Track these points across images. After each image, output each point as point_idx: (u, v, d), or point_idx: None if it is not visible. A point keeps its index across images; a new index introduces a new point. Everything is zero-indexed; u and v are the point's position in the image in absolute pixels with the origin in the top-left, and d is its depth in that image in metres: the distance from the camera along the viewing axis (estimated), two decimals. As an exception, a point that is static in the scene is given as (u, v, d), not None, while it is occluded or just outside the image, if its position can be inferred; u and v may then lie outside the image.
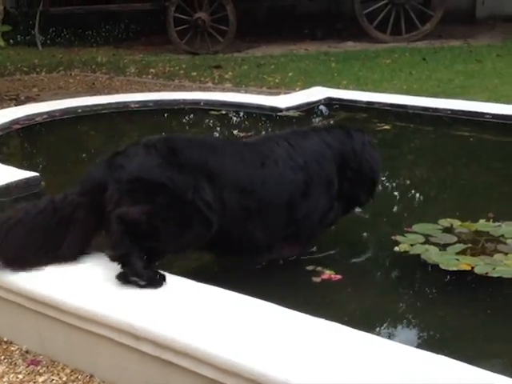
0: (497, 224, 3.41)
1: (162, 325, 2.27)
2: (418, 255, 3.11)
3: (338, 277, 2.93)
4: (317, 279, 2.93)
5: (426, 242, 3.26)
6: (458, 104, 5.85)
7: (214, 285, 2.53)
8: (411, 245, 3.22)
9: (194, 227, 2.76)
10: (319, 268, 3.00)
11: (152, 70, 9.51)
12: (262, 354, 2.07)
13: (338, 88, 7.40)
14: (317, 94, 6.35)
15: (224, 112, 5.96)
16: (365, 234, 3.56)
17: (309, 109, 5.94)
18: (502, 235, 3.29)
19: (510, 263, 3.00)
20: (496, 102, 6.42)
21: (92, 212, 2.80)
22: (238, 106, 6.03)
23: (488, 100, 6.63)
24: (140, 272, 2.59)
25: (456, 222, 3.46)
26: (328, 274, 2.95)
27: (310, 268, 3.01)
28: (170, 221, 2.72)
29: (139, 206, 2.71)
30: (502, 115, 5.37)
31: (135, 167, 2.78)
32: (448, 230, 3.38)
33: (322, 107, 6.08)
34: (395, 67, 8.75)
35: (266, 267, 3.05)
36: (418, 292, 2.91)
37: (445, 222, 3.47)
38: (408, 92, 7.24)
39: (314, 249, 3.21)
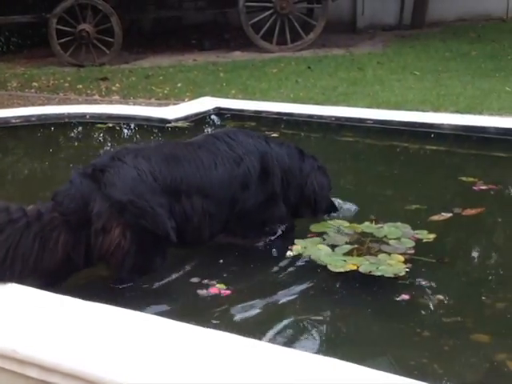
0: (379, 225, 3.55)
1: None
2: (309, 256, 3.19)
3: (228, 292, 2.93)
4: (203, 291, 2.92)
5: (321, 243, 3.34)
6: (342, 111, 6.04)
7: (99, 301, 2.47)
8: (305, 247, 3.29)
9: (163, 252, 3.02)
10: (206, 281, 2.99)
11: (35, 84, 9.20)
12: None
13: (227, 98, 7.46)
14: (205, 104, 6.36)
15: (111, 125, 5.85)
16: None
17: (198, 119, 5.94)
18: (385, 236, 3.42)
19: (393, 263, 3.12)
20: (377, 108, 6.72)
21: (74, 230, 2.84)
22: (125, 119, 5.93)
23: (370, 106, 6.91)
24: None
25: (344, 223, 3.57)
26: (218, 287, 2.95)
27: (195, 280, 3.01)
28: (147, 250, 2.93)
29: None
30: (383, 120, 5.60)
31: (128, 186, 2.89)
32: (338, 231, 3.48)
33: (210, 117, 6.10)
34: (282, 76, 8.94)
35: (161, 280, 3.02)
36: (306, 294, 2.95)
37: (334, 223, 3.58)
38: (295, 100, 7.42)
39: (205, 262, 3.21)
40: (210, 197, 3.13)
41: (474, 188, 4.18)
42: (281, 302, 2.88)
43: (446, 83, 7.88)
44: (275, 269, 3.17)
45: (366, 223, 3.56)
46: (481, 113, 6.43)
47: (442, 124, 5.45)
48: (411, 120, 5.59)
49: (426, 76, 8.39)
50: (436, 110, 6.65)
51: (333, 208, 3.75)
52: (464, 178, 4.34)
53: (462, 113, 6.44)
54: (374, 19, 13.12)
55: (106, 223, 2.80)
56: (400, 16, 13.13)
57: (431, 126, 5.46)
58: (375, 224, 3.57)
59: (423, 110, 6.61)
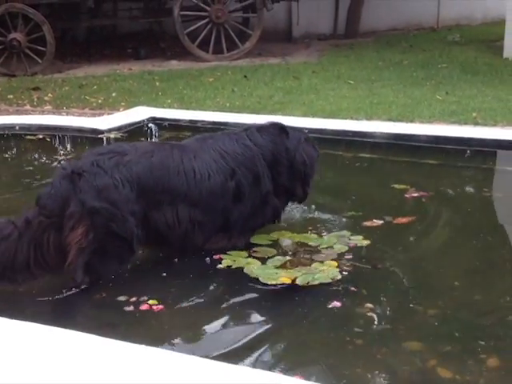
0: (314, 234, 3.56)
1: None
2: (241, 269, 3.17)
3: (160, 307, 2.88)
4: (131, 308, 2.86)
5: (249, 255, 3.32)
6: (277, 120, 6.02)
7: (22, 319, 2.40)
8: (234, 260, 3.26)
9: (123, 259, 3.13)
10: (134, 298, 2.93)
11: (-36, 94, 8.90)
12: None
13: (163, 107, 7.39)
14: (140, 113, 6.28)
15: (41, 136, 5.70)
16: (191, 254, 3.52)
17: (132, 129, 5.86)
18: (319, 245, 3.44)
19: (326, 269, 3.14)
20: (312, 117, 6.77)
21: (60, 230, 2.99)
22: (56, 129, 5.79)
23: (305, 115, 6.96)
24: None
25: (286, 234, 3.57)
26: (149, 303, 2.89)
27: (123, 298, 2.94)
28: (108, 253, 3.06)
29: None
30: (317, 129, 5.63)
31: (102, 195, 3.00)
32: (274, 243, 3.48)
33: (145, 127, 6.01)
34: (218, 85, 8.91)
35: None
36: (239, 307, 2.93)
37: (275, 235, 3.57)
38: (231, 109, 7.40)
39: (134, 278, 3.14)
40: (199, 207, 3.25)
41: (406, 195, 4.25)
42: (214, 315, 2.84)
43: (379, 92, 8.02)
44: (207, 282, 3.13)
45: (306, 234, 3.58)
46: (412, 121, 6.56)
47: (375, 132, 5.54)
48: (344, 128, 5.66)
49: (359, 85, 8.52)
50: (369, 118, 6.75)
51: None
52: (396, 186, 4.42)
53: (394, 121, 6.56)
54: (310, 29, 13.27)
55: (76, 223, 2.96)
56: (334, 26, 13.34)
57: (364, 134, 5.54)
58: (311, 233, 3.59)
59: (357, 119, 6.72)
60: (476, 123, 6.33)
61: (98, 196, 3.00)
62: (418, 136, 5.39)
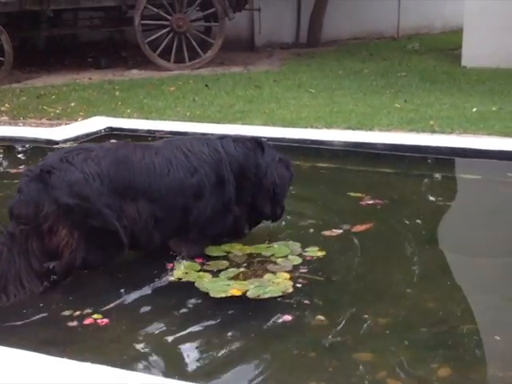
0: (269, 244, 3.54)
1: None
2: (192, 283, 3.12)
3: (105, 321, 2.82)
4: (75, 323, 2.80)
5: (202, 268, 3.28)
6: (237, 129, 6.03)
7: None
8: (186, 272, 3.22)
9: (112, 251, 3.16)
10: (78, 313, 2.87)
11: None
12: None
13: (122, 117, 7.31)
14: (97, 124, 6.21)
15: (-5, 147, 5.60)
16: (141, 266, 3.47)
17: (88, 140, 5.77)
18: (273, 255, 3.42)
19: (280, 281, 3.11)
20: (272, 126, 6.77)
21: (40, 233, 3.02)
22: (10, 140, 5.69)
23: (265, 123, 6.95)
24: None
25: (237, 246, 3.54)
26: (94, 317, 2.83)
27: (67, 313, 2.88)
28: (97, 246, 3.08)
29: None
30: (276, 138, 5.62)
31: (75, 190, 3.01)
32: (226, 255, 3.44)
33: (101, 137, 5.93)
34: (179, 94, 8.85)
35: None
36: (188, 321, 2.88)
37: (226, 247, 3.53)
38: (191, 118, 7.35)
39: (80, 291, 3.08)
40: (159, 202, 3.24)
41: (362, 203, 4.26)
42: (162, 329, 2.79)
43: (339, 100, 8.05)
44: (156, 295, 3.08)
45: (258, 244, 3.55)
46: (371, 129, 6.59)
47: (333, 141, 5.56)
48: (303, 137, 5.67)
49: (320, 93, 8.54)
50: (329, 126, 6.76)
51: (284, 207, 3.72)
52: (352, 194, 4.43)
53: (353, 129, 6.58)
54: (272, 37, 13.31)
55: (53, 224, 2.98)
56: (297, 35, 13.40)
57: (322, 142, 5.56)
58: (267, 243, 3.56)
59: (317, 127, 6.72)
60: (433, 131, 6.38)
61: (70, 192, 3.01)
62: (375, 144, 5.43)
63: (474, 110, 7.17)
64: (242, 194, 3.52)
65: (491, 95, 7.93)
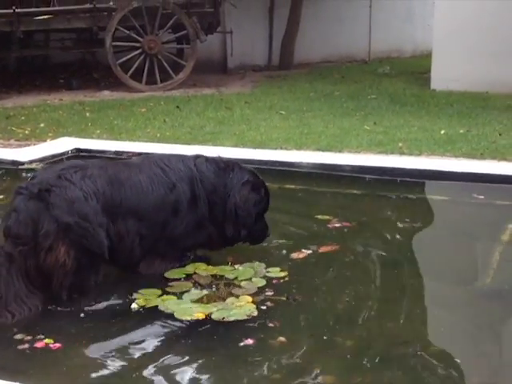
0: (234, 267, 3.50)
1: None
2: (156, 307, 3.07)
3: (57, 345, 2.76)
4: (26, 346, 2.73)
5: (164, 291, 3.23)
6: (206, 150, 6.00)
7: None
8: (147, 299, 3.16)
9: (98, 271, 3.18)
10: (29, 337, 2.80)
11: None
12: None
13: (91, 138, 7.26)
14: (64, 144, 6.15)
15: (-41, 169, 5.50)
16: (101, 292, 3.38)
17: (54, 161, 5.70)
18: (237, 277, 3.39)
19: (242, 305, 3.08)
20: (242, 147, 6.76)
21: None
22: (-25, 161, 5.60)
23: (235, 145, 6.94)
24: None
25: (201, 266, 3.50)
26: (45, 341, 2.76)
27: (19, 337, 2.81)
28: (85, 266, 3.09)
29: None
30: (245, 160, 5.57)
31: (75, 208, 3.03)
32: (190, 276, 3.40)
33: (68, 159, 5.87)
34: (150, 115, 8.83)
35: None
36: (149, 344, 2.83)
37: (190, 268, 3.49)
38: (161, 140, 7.32)
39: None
40: (145, 220, 3.29)
41: (329, 226, 4.25)
42: (119, 354, 2.73)
43: (309, 122, 8.08)
44: (114, 320, 3.02)
45: (222, 266, 3.52)
46: (341, 151, 6.62)
47: (302, 162, 5.56)
48: (272, 159, 5.67)
49: (291, 115, 8.58)
50: (299, 148, 6.77)
51: (265, 231, 3.70)
52: (320, 216, 4.42)
53: (323, 151, 6.60)
54: (244, 60, 13.38)
55: (53, 243, 2.98)
56: (269, 57, 13.49)
57: (291, 164, 5.56)
58: (231, 265, 3.53)
59: (287, 149, 6.73)
60: (402, 153, 6.43)
61: (70, 210, 3.03)
62: (344, 166, 5.44)
63: (442, 132, 7.25)
64: (214, 211, 3.52)
65: (459, 118, 8.03)
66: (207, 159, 3.64)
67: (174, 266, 3.47)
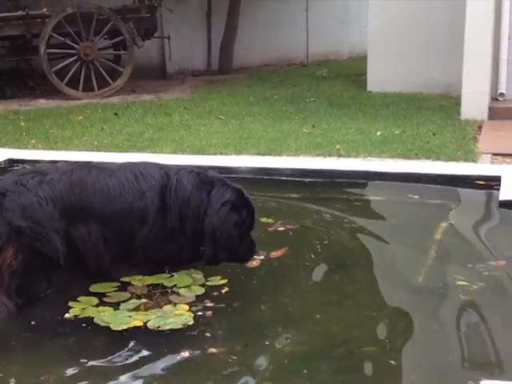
0: (169, 275, 3.47)
1: None
2: (92, 318, 3.01)
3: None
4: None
5: (101, 302, 3.18)
6: (144, 157, 5.95)
7: None
8: (83, 308, 3.11)
9: (49, 277, 3.19)
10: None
11: None
12: None
13: (26, 148, 7.10)
14: (-3, 155, 5.97)
15: None
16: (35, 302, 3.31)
17: (-14, 173, 5.54)
18: (175, 285, 3.35)
19: (180, 313, 3.05)
20: (181, 153, 6.74)
21: None
22: None
23: (175, 151, 6.92)
24: None
25: (137, 277, 3.44)
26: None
27: None
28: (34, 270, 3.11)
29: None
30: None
31: (27, 213, 3.08)
32: (123, 287, 3.34)
33: (1, 170, 5.71)
34: (87, 123, 8.70)
35: None
36: (77, 357, 2.74)
37: (126, 279, 3.43)
38: (99, 148, 7.23)
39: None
40: (109, 224, 3.28)
41: (271, 229, 4.26)
42: (51, 368, 2.66)
43: (248, 126, 8.11)
44: (46, 333, 2.95)
45: (158, 274, 3.47)
46: (280, 154, 6.67)
47: (241, 167, 5.56)
48: (211, 164, 5.63)
49: (230, 120, 8.59)
50: (238, 153, 6.79)
51: (251, 249, 3.56)
52: (264, 220, 4.42)
53: (262, 155, 6.65)
54: (183, 65, 13.33)
55: (3, 244, 3.03)
56: (208, 62, 13.48)
57: (230, 169, 5.55)
58: (167, 273, 3.49)
59: (226, 154, 6.74)
60: (340, 155, 6.53)
61: (23, 214, 3.08)
62: (283, 170, 5.48)
63: (379, 133, 7.39)
64: (185, 225, 3.40)
65: (395, 119, 8.20)
66: (191, 171, 3.52)
67: (142, 274, 3.43)
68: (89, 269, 3.34)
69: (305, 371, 2.63)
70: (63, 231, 3.18)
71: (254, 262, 3.67)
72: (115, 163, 3.62)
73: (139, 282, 3.37)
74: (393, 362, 2.68)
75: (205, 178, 3.50)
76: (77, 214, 3.22)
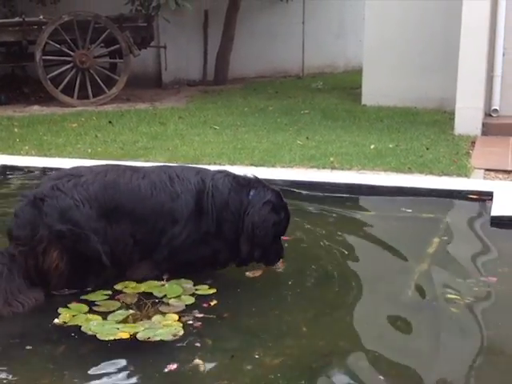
0: (161, 283, 3.45)
1: None
2: (79, 326, 2.99)
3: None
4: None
5: (90, 310, 3.16)
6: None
7: None
8: (73, 315, 3.09)
9: (97, 272, 3.33)
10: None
11: None
12: None
13: (20, 154, 7.08)
14: (-11, 162, 5.96)
15: None
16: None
17: (-21, 179, 5.53)
18: (165, 295, 3.34)
19: (169, 323, 3.03)
20: (175, 162, 6.71)
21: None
22: None
23: (168, 160, 6.88)
24: None
25: (130, 285, 3.44)
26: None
27: None
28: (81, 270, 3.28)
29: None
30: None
31: (66, 216, 3.22)
32: (115, 295, 3.33)
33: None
34: (81, 131, 8.68)
35: None
36: (65, 367, 2.73)
37: (118, 286, 3.43)
38: (92, 156, 7.21)
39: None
40: (140, 224, 3.36)
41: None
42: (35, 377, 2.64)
43: (243, 137, 8.11)
44: (34, 339, 2.92)
45: (150, 281, 3.47)
46: (274, 165, 6.66)
47: (234, 178, 5.55)
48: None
49: (224, 130, 8.59)
50: (232, 163, 6.78)
51: (280, 253, 3.66)
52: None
53: (256, 165, 6.64)
54: (179, 74, 13.36)
55: (47, 247, 3.19)
56: (204, 72, 13.50)
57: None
58: (158, 281, 3.48)
59: (220, 164, 6.72)
60: (333, 167, 6.52)
61: (62, 218, 3.21)
62: (275, 181, 5.46)
63: (372, 146, 7.40)
64: (224, 228, 3.48)
65: (389, 133, 8.22)
66: (228, 175, 3.61)
67: (163, 274, 3.49)
68: (118, 268, 3.43)
69: (293, 381, 2.61)
70: (102, 230, 3.29)
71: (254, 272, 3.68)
72: (151, 166, 3.71)
73: (131, 289, 3.36)
74: (381, 377, 2.67)
75: (242, 180, 3.60)
76: (111, 214, 3.33)
